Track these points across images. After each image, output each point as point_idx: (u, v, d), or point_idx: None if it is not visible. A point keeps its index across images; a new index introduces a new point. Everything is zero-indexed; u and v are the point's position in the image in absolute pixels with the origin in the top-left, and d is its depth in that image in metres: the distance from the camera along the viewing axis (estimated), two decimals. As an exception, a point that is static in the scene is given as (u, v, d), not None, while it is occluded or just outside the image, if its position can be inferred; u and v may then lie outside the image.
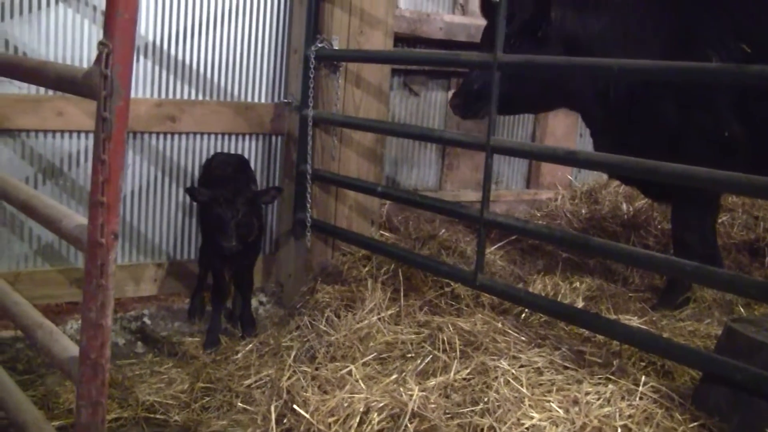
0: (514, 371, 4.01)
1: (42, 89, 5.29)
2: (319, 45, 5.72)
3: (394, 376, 4.13)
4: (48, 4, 5.32)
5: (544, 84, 5.44)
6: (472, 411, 3.76)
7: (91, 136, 5.39)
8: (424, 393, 3.85)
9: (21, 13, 5.25)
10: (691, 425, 3.69)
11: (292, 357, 4.55)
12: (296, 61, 6.02)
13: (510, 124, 7.89)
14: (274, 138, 6.33)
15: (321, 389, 4.07)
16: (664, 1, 5.30)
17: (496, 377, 3.96)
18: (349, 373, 4.19)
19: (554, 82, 5.44)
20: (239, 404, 4.33)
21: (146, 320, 5.76)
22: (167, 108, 5.79)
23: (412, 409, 3.69)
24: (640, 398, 3.82)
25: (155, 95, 5.78)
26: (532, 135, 8.13)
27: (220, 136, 6.09)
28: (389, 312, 5.05)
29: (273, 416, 3.93)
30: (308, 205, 5.84)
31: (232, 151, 6.11)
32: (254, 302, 6.05)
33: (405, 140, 7.25)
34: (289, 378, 4.18)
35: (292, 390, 4.05)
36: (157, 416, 4.48)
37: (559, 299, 5.27)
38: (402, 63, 6.83)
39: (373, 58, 5.94)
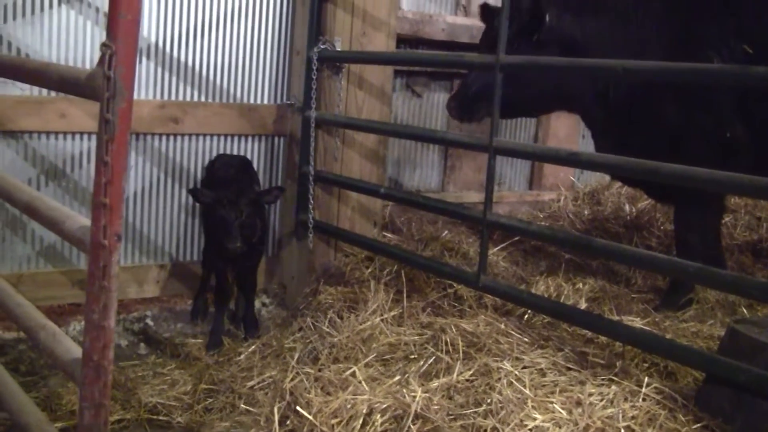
0: (517, 372, 4.01)
1: (45, 91, 5.29)
2: (322, 46, 5.72)
3: (397, 378, 4.13)
4: (51, 6, 5.33)
5: (544, 86, 5.45)
6: (475, 412, 3.75)
7: (93, 137, 5.40)
8: (427, 394, 3.85)
9: (24, 14, 5.25)
10: (694, 426, 3.69)
11: (295, 358, 4.55)
12: (299, 62, 6.03)
13: (512, 125, 7.89)
14: (276, 139, 6.33)
15: (324, 391, 4.07)
16: (666, 2, 5.29)
17: (499, 378, 3.96)
18: (352, 374, 4.19)
19: (554, 84, 5.45)
20: (242, 406, 4.33)
21: (149, 322, 5.77)
22: (170, 109, 5.79)
23: (415, 411, 3.69)
24: (643, 399, 3.81)
25: (158, 97, 5.78)
26: (534, 136, 8.14)
27: (222, 138, 6.09)
28: (392, 313, 5.05)
29: (276, 418, 3.93)
30: (310, 207, 5.84)
31: (235, 153, 6.11)
32: (257, 303, 6.06)
33: (407, 141, 7.25)
34: (292, 379, 4.18)
35: (295, 391, 4.05)
36: (160, 418, 4.48)
37: (561, 300, 5.26)
38: (404, 64, 6.84)
39: (376, 60, 5.94)
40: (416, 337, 4.71)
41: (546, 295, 5.33)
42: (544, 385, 3.95)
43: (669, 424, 3.69)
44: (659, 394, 3.87)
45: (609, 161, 4.37)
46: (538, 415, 3.67)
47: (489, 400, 3.80)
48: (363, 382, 4.06)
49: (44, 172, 5.48)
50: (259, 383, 4.54)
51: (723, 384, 3.72)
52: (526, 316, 5.00)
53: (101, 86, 2.64)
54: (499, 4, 5.08)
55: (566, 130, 8.04)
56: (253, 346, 5.11)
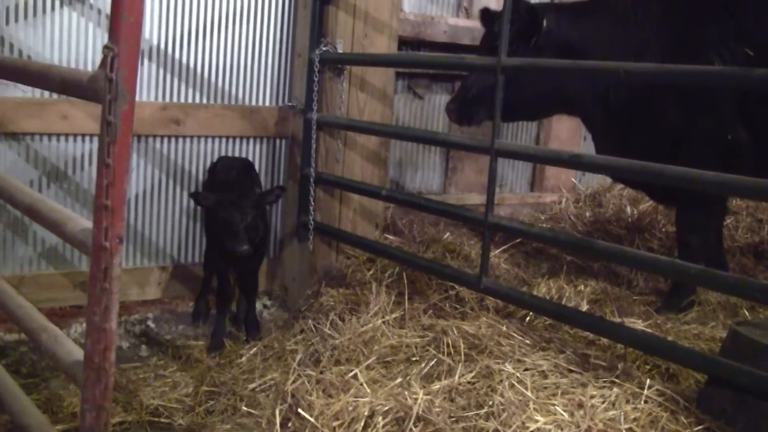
0: (518, 375, 4.01)
1: (46, 92, 5.30)
2: (324, 48, 5.72)
3: (399, 380, 4.12)
4: (53, 8, 5.33)
5: (544, 89, 5.45)
6: (477, 414, 3.75)
7: (95, 139, 5.41)
8: (428, 396, 3.85)
9: (26, 16, 5.26)
10: (696, 428, 3.68)
11: (296, 360, 4.54)
12: (300, 64, 6.03)
13: (514, 127, 7.90)
14: (278, 141, 6.33)
15: (326, 393, 4.07)
16: (666, 5, 5.29)
17: (501, 381, 3.96)
18: (354, 376, 4.19)
19: (554, 87, 5.46)
20: (244, 408, 4.32)
21: (150, 324, 5.77)
22: (172, 111, 5.79)
23: (417, 413, 3.69)
24: (645, 401, 3.81)
25: (160, 98, 5.79)
26: (536, 138, 8.14)
27: (224, 140, 6.10)
28: (394, 315, 5.04)
29: (278, 420, 3.93)
30: (311, 209, 5.84)
31: (237, 155, 6.12)
32: (258, 306, 6.06)
33: (409, 143, 7.25)
34: (293, 382, 4.18)
35: (297, 394, 4.05)
36: (162, 420, 4.48)
37: (563, 302, 5.26)
38: (406, 66, 6.84)
39: (377, 62, 5.94)
40: (418, 339, 4.70)
41: (547, 297, 5.33)
42: (545, 387, 3.95)
43: (671, 426, 3.69)
44: (661, 396, 3.86)
45: (611, 163, 4.37)
46: (539, 417, 3.67)
47: (491, 403, 3.80)
48: (364, 385, 4.06)
49: (46, 174, 5.48)
50: (260, 385, 4.54)
51: (725, 386, 3.72)
52: (528, 318, 5.00)
53: (103, 88, 2.64)
54: (499, 9, 5.12)
55: (568, 132, 8.04)
56: (255, 348, 5.10)
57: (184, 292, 6.11)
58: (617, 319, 4.96)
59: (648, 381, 3.93)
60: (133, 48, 2.63)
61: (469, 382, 4.03)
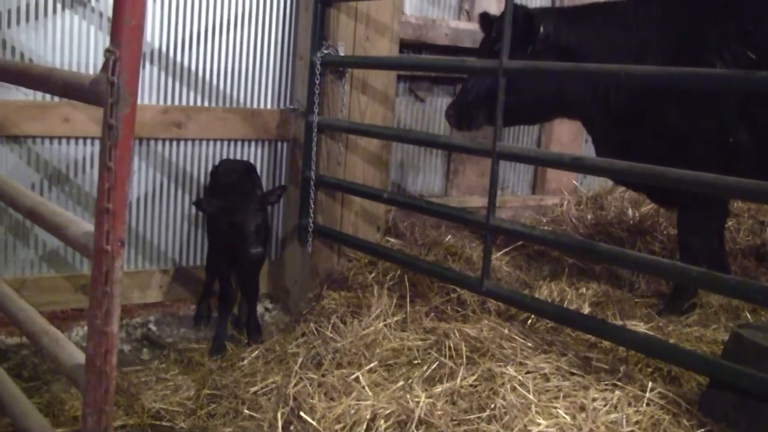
0: (520, 377, 4.00)
1: (48, 95, 5.30)
2: (325, 51, 5.72)
3: (401, 383, 4.12)
4: (55, 11, 5.33)
5: (544, 93, 5.46)
6: (479, 417, 3.75)
7: (97, 142, 5.41)
8: (430, 400, 3.85)
9: (27, 20, 5.26)
10: (699, 431, 3.68)
11: (298, 364, 4.54)
12: (302, 67, 6.03)
13: (516, 130, 7.89)
14: (279, 144, 6.34)
15: (327, 396, 4.07)
16: (667, 8, 5.30)
17: (503, 384, 3.96)
18: (356, 379, 4.19)
19: (554, 90, 5.46)
20: (245, 411, 4.31)
21: (152, 327, 5.77)
22: (173, 114, 5.80)
23: (419, 416, 3.69)
24: (647, 404, 3.81)
25: (161, 101, 5.79)
26: (537, 141, 8.13)
27: (226, 143, 6.10)
28: (395, 318, 5.04)
29: (279, 423, 3.93)
30: (311, 211, 5.85)
31: (239, 158, 6.12)
32: (260, 308, 6.06)
33: (410, 146, 7.25)
34: (295, 385, 4.18)
35: (299, 397, 4.05)
36: (163, 423, 4.48)
37: (565, 305, 5.26)
38: (407, 69, 6.84)
39: (379, 65, 5.94)
40: (420, 342, 4.70)
41: (549, 300, 5.33)
42: (547, 390, 3.95)
43: (673, 429, 3.69)
44: (663, 399, 3.86)
45: (613, 166, 4.37)
46: (541, 420, 3.66)
47: (493, 406, 3.80)
48: (366, 388, 4.06)
49: (47, 177, 5.49)
50: (262, 388, 4.53)
51: (727, 389, 3.72)
52: (530, 321, 5.01)
53: (105, 91, 2.64)
54: (500, 12, 5.13)
55: (570, 135, 8.04)
56: (257, 352, 5.09)
57: (186, 295, 6.11)
58: (619, 322, 4.96)
59: (650, 384, 3.93)
60: (134, 51, 2.63)
61: (471, 385, 4.03)
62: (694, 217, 5.44)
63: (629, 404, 3.80)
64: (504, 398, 3.83)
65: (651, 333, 4.68)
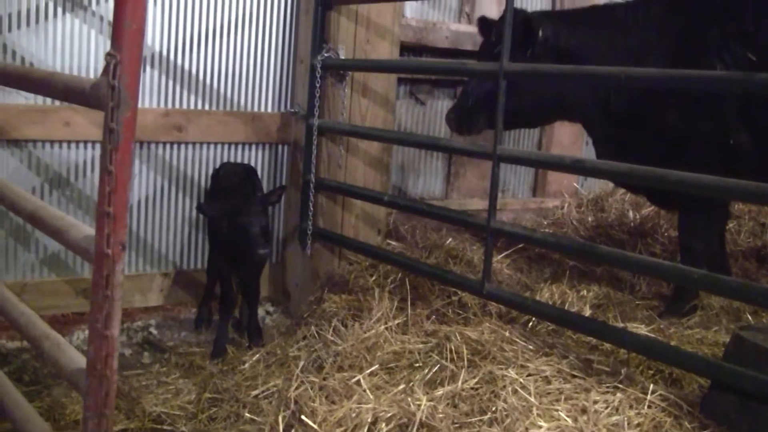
0: (522, 380, 4.00)
1: (49, 99, 5.30)
2: (326, 54, 5.72)
3: (402, 386, 4.12)
4: (55, 15, 5.34)
5: (544, 95, 5.46)
6: (480, 420, 3.74)
7: (97, 145, 5.41)
8: (432, 403, 3.84)
9: (28, 23, 5.26)
10: (700, 434, 3.69)
11: (299, 367, 4.53)
12: (302, 70, 6.03)
13: (516, 132, 7.89)
14: (280, 147, 6.34)
15: (329, 399, 4.06)
16: (667, 10, 5.30)
17: (504, 386, 3.95)
18: (357, 383, 4.18)
19: (554, 93, 5.46)
20: (246, 415, 4.31)
21: (153, 330, 5.77)
22: (174, 117, 5.80)
23: (420, 419, 3.68)
24: (649, 407, 3.80)
25: (162, 105, 5.79)
26: (538, 143, 8.14)
27: (226, 146, 6.10)
28: (396, 321, 5.04)
29: (281, 427, 3.92)
30: (310, 214, 5.85)
31: (239, 161, 6.12)
32: (261, 312, 6.06)
33: (411, 149, 7.26)
34: (296, 388, 4.17)
35: (300, 400, 4.04)
36: (164, 427, 4.47)
37: (566, 307, 5.26)
38: (408, 72, 6.85)
39: (379, 68, 5.94)
40: (421, 345, 4.70)
41: (550, 303, 5.33)
42: (549, 393, 3.94)
43: (674, 431, 3.68)
44: (664, 401, 3.85)
45: (614, 168, 4.37)
46: (543, 423, 3.66)
47: (494, 408, 3.79)
48: (368, 391, 4.05)
49: (48, 181, 5.49)
50: (263, 392, 4.53)
51: (728, 391, 3.71)
52: (531, 324, 5.00)
53: (106, 95, 2.64)
54: (499, 15, 5.13)
55: (570, 137, 8.04)
56: (258, 355, 5.09)
57: (187, 298, 6.10)
58: (620, 324, 4.96)
59: (651, 386, 3.93)
60: (135, 55, 2.64)
61: (472, 388, 4.03)
62: (694, 219, 5.44)
63: (631, 407, 3.80)
64: (505, 401, 3.82)
65: (652, 335, 4.67)
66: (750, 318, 5.38)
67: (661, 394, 3.89)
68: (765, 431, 3.57)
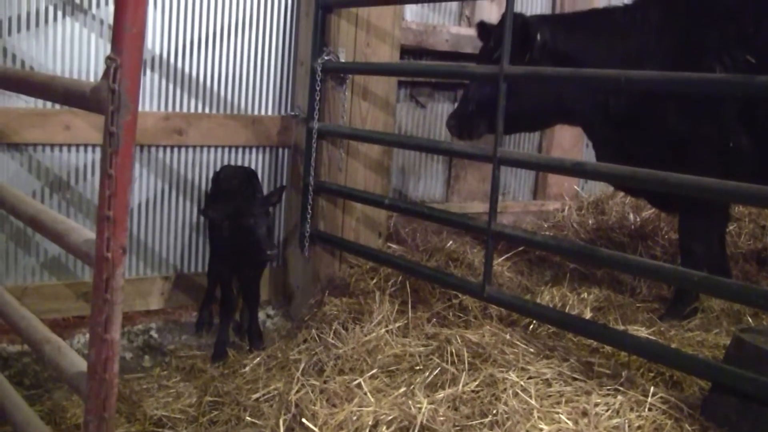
0: (522, 383, 4.00)
1: (49, 102, 5.29)
2: (326, 57, 5.72)
3: (403, 389, 4.12)
4: (55, 19, 5.34)
5: (544, 99, 5.46)
6: (481, 423, 3.75)
7: (98, 149, 5.41)
8: (432, 405, 3.84)
9: (28, 27, 5.27)
10: (701, 436, 3.69)
11: (300, 370, 4.53)
12: (303, 73, 6.03)
13: (517, 135, 7.89)
14: (281, 150, 6.34)
15: (329, 402, 4.06)
16: (666, 13, 5.30)
17: (505, 389, 3.95)
18: (358, 386, 4.18)
19: (554, 96, 5.46)
20: (247, 418, 4.31)
21: (153, 334, 5.77)
22: (174, 121, 5.80)
23: (421, 422, 3.68)
24: (649, 409, 3.80)
25: (162, 108, 5.80)
26: (538, 146, 8.14)
27: (227, 149, 6.10)
28: (397, 324, 5.04)
29: (281, 430, 3.92)
30: (308, 216, 5.85)
31: (240, 164, 6.12)
32: (262, 315, 6.05)
33: (411, 152, 7.26)
34: (297, 391, 4.17)
35: (301, 403, 4.04)
36: (165, 430, 4.47)
37: (567, 310, 5.26)
38: (408, 75, 6.85)
39: (380, 71, 5.95)
40: (421, 348, 4.70)
41: (551, 305, 5.33)
42: (549, 396, 3.95)
43: (675, 433, 3.69)
44: (665, 404, 3.86)
45: (614, 171, 4.37)
46: (544, 426, 3.66)
47: (495, 411, 3.79)
48: (368, 394, 4.05)
49: (49, 185, 5.49)
50: (264, 395, 4.53)
51: (729, 393, 3.72)
52: (532, 326, 5.00)
53: (106, 99, 2.64)
54: (499, 19, 5.13)
55: (570, 140, 8.04)
56: (258, 358, 5.09)
57: (188, 301, 6.10)
58: (621, 327, 4.95)
59: (652, 388, 3.93)
60: (135, 59, 2.64)
61: (473, 391, 4.03)
62: (695, 222, 5.44)
63: (631, 409, 3.80)
64: (506, 404, 3.83)
65: (653, 338, 4.67)
66: (750, 320, 5.39)
67: (661, 397, 3.89)
68: (766, 433, 3.58)
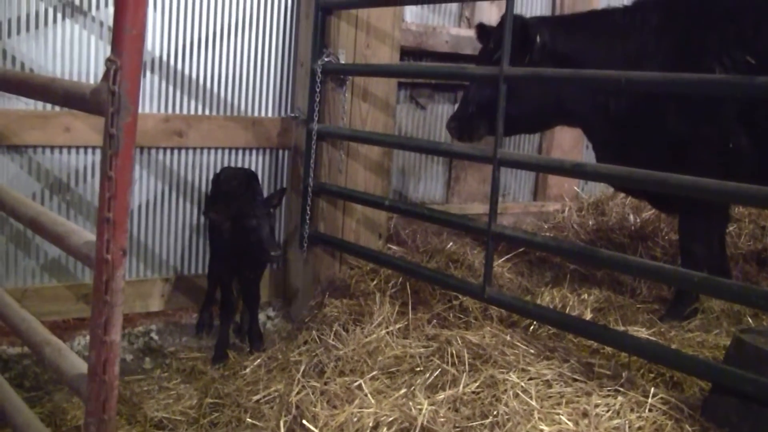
0: (523, 384, 4.00)
1: (49, 104, 5.29)
2: (326, 59, 5.73)
3: (403, 390, 4.11)
4: (55, 21, 5.34)
5: (544, 100, 5.46)
6: (482, 424, 3.74)
7: (98, 151, 5.42)
8: (433, 407, 3.84)
9: (28, 29, 5.27)
10: (701, 437, 3.69)
11: (300, 372, 4.53)
12: (303, 75, 6.03)
13: (517, 136, 7.89)
14: (281, 152, 6.34)
15: (330, 404, 4.06)
16: (665, 14, 5.30)
17: (506, 390, 3.95)
18: (358, 387, 4.18)
19: (554, 98, 5.46)
20: (248, 420, 4.30)
21: (154, 336, 5.77)
22: (174, 123, 5.80)
23: (422, 424, 3.68)
24: (650, 410, 3.80)
25: (162, 110, 5.80)
26: (539, 147, 8.14)
27: (227, 151, 6.10)
28: (397, 326, 5.04)
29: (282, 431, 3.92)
30: (307, 218, 5.86)
31: (240, 166, 6.12)
32: (262, 317, 6.05)
33: (412, 153, 7.26)
34: (297, 393, 4.17)
35: (301, 405, 4.04)
36: (166, 432, 4.49)
37: (567, 311, 5.26)
38: (408, 76, 6.85)
39: (380, 72, 5.94)
40: (422, 350, 4.70)
41: (551, 306, 5.33)
42: (550, 397, 3.94)
43: (676, 434, 3.69)
44: (665, 405, 3.85)
45: (614, 172, 4.37)
46: (544, 427, 3.66)
47: (495, 412, 3.79)
48: (369, 395, 4.05)
49: (49, 187, 5.49)
50: (264, 397, 4.52)
51: (729, 394, 3.71)
52: (532, 328, 5.00)
53: (106, 101, 2.64)
54: (499, 20, 5.13)
55: (570, 141, 8.04)
56: (259, 360, 5.08)
57: (188, 303, 6.10)
58: (621, 328, 4.96)
59: (652, 389, 3.93)
60: (135, 60, 2.64)
61: (473, 392, 4.03)
62: (695, 223, 5.44)
63: (632, 410, 3.80)
64: (507, 405, 3.82)
65: (653, 338, 4.68)
66: (750, 321, 5.38)
67: (662, 398, 3.89)
68: (766, 434, 3.58)
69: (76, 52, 5.43)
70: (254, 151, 6.23)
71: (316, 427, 3.81)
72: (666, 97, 5.05)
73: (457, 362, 4.41)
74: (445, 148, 5.86)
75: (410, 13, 6.97)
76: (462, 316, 5.25)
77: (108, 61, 2.62)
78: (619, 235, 7.16)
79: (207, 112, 5.98)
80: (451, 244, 6.42)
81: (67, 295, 5.61)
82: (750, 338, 3.80)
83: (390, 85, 6.09)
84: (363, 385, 4.19)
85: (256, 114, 6.19)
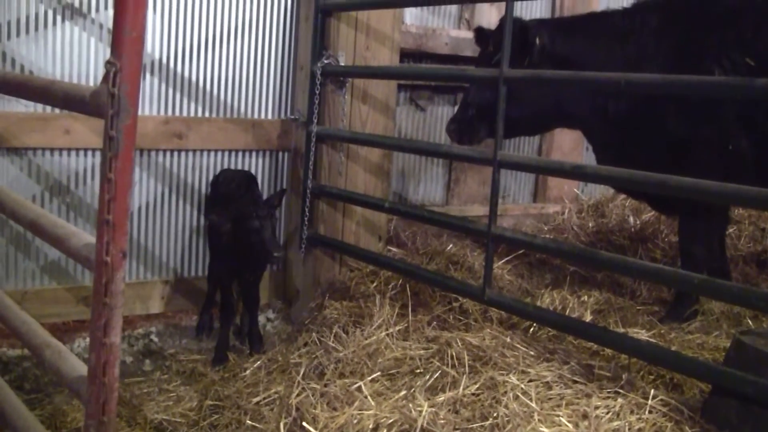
0: (523, 386, 4.00)
1: (49, 107, 5.29)
2: (326, 61, 5.73)
3: (403, 392, 4.12)
4: (55, 23, 5.34)
5: (544, 103, 5.47)
6: (482, 426, 3.75)
7: (97, 153, 5.41)
8: (433, 409, 3.84)
9: (28, 31, 5.27)
10: (701, 439, 3.69)
11: (300, 374, 4.53)
12: (303, 77, 6.04)
13: (517, 138, 7.88)
14: (281, 154, 6.34)
15: (330, 406, 4.06)
16: (665, 16, 5.30)
17: (505, 392, 3.95)
18: (358, 389, 4.18)
19: (554, 100, 5.46)
20: (248, 422, 4.30)
21: (154, 338, 5.76)
22: (174, 125, 5.80)
23: (422, 425, 3.68)
24: (650, 412, 3.80)
25: (162, 112, 5.80)
26: (539, 149, 8.14)
27: (227, 153, 6.10)
28: (397, 328, 5.04)
29: (282, 433, 3.93)
30: (306, 220, 5.86)
31: (240, 168, 6.12)
32: (262, 319, 6.05)
33: (411, 155, 7.26)
34: (297, 395, 4.17)
35: (301, 407, 4.04)
36: (166, 434, 4.48)
37: (567, 313, 5.26)
38: (408, 78, 6.86)
39: (379, 74, 5.94)
40: (422, 352, 4.70)
41: (551, 308, 5.33)
42: (550, 399, 3.95)
43: (676, 436, 3.69)
44: (665, 407, 3.85)
45: (614, 174, 4.37)
46: (544, 429, 3.66)
47: (495, 414, 3.79)
48: (369, 397, 4.05)
49: (48, 189, 5.49)
50: (264, 399, 4.52)
51: (729, 396, 3.71)
52: (532, 329, 5.01)
53: (106, 103, 2.64)
54: (498, 22, 5.13)
55: (570, 143, 8.04)
56: (259, 362, 5.08)
57: (188, 305, 6.10)
58: (621, 330, 4.96)
59: (652, 391, 3.93)
60: (135, 63, 2.63)
61: (473, 394, 4.03)
62: (695, 225, 5.45)
63: (632, 412, 3.80)
64: (506, 407, 3.83)
65: (653, 340, 4.68)
66: (750, 323, 5.38)
67: (662, 399, 3.89)
68: (766, 436, 3.58)
69: (75, 55, 5.44)
70: (254, 153, 6.23)
71: (316, 428, 3.82)
72: (666, 99, 5.05)
73: (457, 364, 4.41)
74: (445, 150, 5.85)
75: (410, 15, 6.98)
76: (462, 318, 5.26)
77: (108, 63, 2.62)
78: (619, 237, 7.16)
79: (207, 114, 5.98)
80: (451, 246, 6.42)
81: (67, 298, 5.61)
82: (750, 340, 3.80)
83: (390, 87, 6.09)
84: (363, 387, 4.19)
85: (255, 116, 6.19)
